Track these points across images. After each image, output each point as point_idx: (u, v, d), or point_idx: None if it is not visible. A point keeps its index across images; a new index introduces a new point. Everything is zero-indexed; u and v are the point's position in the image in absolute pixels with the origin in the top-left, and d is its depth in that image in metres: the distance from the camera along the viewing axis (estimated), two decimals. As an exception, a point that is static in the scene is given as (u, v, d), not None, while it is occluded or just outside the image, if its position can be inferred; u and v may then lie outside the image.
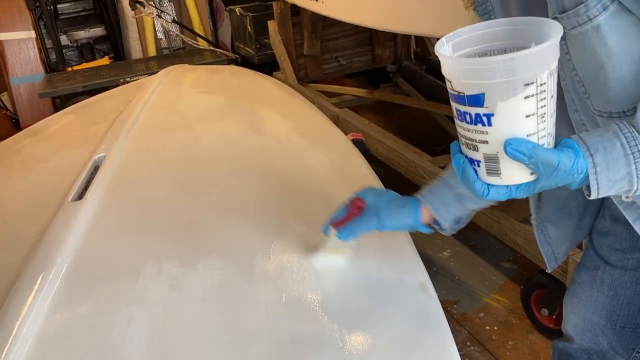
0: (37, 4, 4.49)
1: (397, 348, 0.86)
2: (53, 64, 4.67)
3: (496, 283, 2.22)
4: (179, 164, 1.44)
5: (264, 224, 1.16)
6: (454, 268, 2.33)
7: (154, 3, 4.53)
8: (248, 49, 4.48)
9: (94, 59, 4.86)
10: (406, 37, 4.10)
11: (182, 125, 1.77)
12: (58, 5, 4.69)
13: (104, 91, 2.56)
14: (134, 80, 3.50)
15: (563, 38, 0.71)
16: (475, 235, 2.50)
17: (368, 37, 4.10)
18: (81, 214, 1.14)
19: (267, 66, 4.30)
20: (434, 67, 3.65)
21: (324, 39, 3.94)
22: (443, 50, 0.69)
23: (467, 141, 0.69)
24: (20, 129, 3.69)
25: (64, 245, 1.03)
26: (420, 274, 1.03)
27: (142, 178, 1.36)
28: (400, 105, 3.35)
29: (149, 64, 4.50)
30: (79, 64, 4.78)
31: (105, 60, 4.78)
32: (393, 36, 4.10)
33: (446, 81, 0.68)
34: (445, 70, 0.67)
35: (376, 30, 4.07)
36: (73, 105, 2.51)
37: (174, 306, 0.92)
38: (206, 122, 1.81)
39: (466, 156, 0.71)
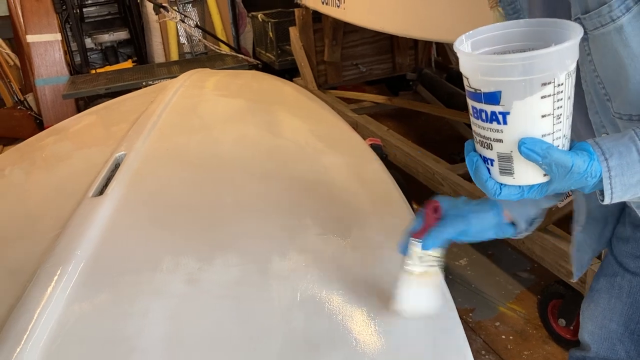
0: (64, 7, 4.57)
1: (413, 354, 0.86)
2: (77, 67, 4.75)
3: (513, 292, 2.20)
4: (198, 164, 1.46)
5: (281, 223, 1.17)
6: (471, 276, 2.32)
7: (177, 8, 4.59)
8: (269, 54, 4.51)
9: (117, 62, 4.94)
10: (427, 46, 4.10)
11: (202, 126, 1.79)
12: (84, 9, 4.76)
13: (126, 93, 2.59)
14: (156, 84, 3.55)
15: (585, 39, 0.71)
16: (492, 244, 2.48)
17: (388, 44, 4.11)
18: (101, 209, 1.15)
19: (288, 72, 4.32)
20: (455, 75, 3.64)
21: (345, 46, 3.95)
22: (462, 47, 0.69)
23: (481, 139, 0.69)
24: (43, 130, 3.76)
25: (84, 238, 1.05)
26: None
27: (162, 176, 1.38)
28: (419, 113, 3.35)
29: (171, 68, 4.55)
30: (102, 67, 4.85)
31: (128, 64, 4.85)
32: (414, 44, 4.10)
33: (463, 78, 0.68)
34: (463, 66, 0.67)
35: (397, 38, 4.08)
36: (96, 106, 2.55)
37: (190, 300, 0.93)
38: (226, 124, 1.83)
39: (480, 155, 0.70)
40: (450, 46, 4.03)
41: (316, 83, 3.88)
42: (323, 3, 2.92)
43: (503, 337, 1.97)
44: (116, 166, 1.41)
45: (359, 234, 1.16)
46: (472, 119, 0.69)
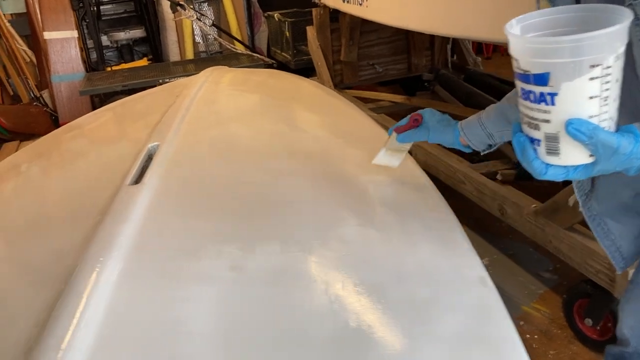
0: (81, 4, 4.59)
1: (462, 340, 0.86)
2: (93, 64, 4.77)
3: (536, 292, 2.18)
4: (231, 154, 1.46)
5: (318, 214, 1.17)
6: (492, 276, 2.27)
7: (193, 6, 4.61)
8: (285, 54, 4.52)
9: (132, 60, 4.95)
10: (443, 46, 4.09)
11: (230, 119, 1.79)
12: (101, 7, 4.78)
13: (142, 91, 2.60)
14: (172, 82, 3.56)
15: (637, 24, 0.71)
16: (514, 244, 2.47)
17: (405, 45, 4.11)
18: (140, 197, 1.15)
19: (303, 72, 4.32)
20: (473, 76, 3.64)
21: (361, 45, 3.96)
22: (513, 30, 0.71)
23: (529, 120, 0.71)
24: (59, 126, 3.77)
25: (126, 225, 1.04)
26: (478, 268, 1.03)
27: (197, 166, 1.38)
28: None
29: (186, 66, 4.57)
30: (117, 65, 4.87)
31: (143, 62, 4.87)
32: (430, 45, 4.10)
33: (512, 60, 0.70)
34: (514, 49, 0.69)
35: (413, 39, 4.08)
36: (116, 102, 2.56)
37: (235, 286, 0.92)
38: (254, 118, 1.83)
39: (527, 135, 0.73)
40: (467, 49, 4.03)
41: (332, 83, 3.88)
42: (344, 1, 2.92)
43: (528, 336, 1.96)
44: (149, 157, 1.41)
45: (397, 225, 1.16)
46: (520, 100, 0.72)
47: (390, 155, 1.29)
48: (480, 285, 0.98)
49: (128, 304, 0.86)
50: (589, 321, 1.84)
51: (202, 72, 2.41)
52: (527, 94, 0.69)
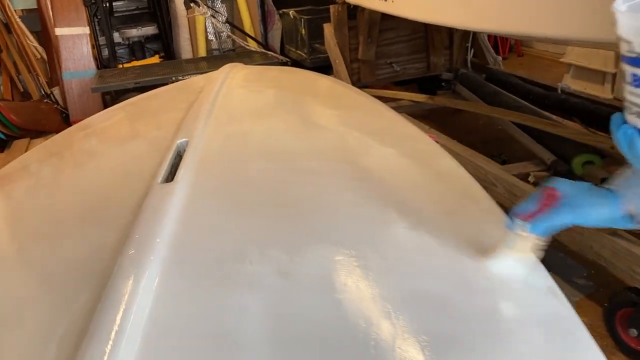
0: (93, 1, 4.53)
1: (538, 353, 0.77)
2: (105, 61, 4.70)
3: (572, 300, 2.08)
4: (265, 152, 1.38)
5: (363, 214, 1.09)
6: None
7: (207, 4, 4.53)
8: (300, 52, 4.44)
9: (144, 57, 4.88)
10: (463, 45, 4.01)
11: (259, 115, 1.71)
12: (113, 3, 4.71)
13: (154, 88, 2.51)
14: (185, 79, 3.48)
15: None
16: (545, 251, 2.38)
17: (423, 43, 4.03)
18: (174, 195, 1.07)
19: (319, 70, 4.24)
20: (495, 75, 3.55)
21: (379, 44, 3.88)
22: (622, 8, 0.63)
23: (639, 109, 0.65)
24: (70, 124, 3.70)
25: (162, 226, 0.96)
26: (546, 278, 0.94)
27: (231, 163, 1.30)
28: (455, 113, 3.26)
29: (199, 64, 4.49)
30: (129, 62, 4.80)
31: (155, 59, 4.79)
32: (449, 44, 4.02)
33: (621, 44, 0.63)
34: (626, 29, 0.62)
35: (432, 37, 3.99)
36: (131, 99, 2.48)
37: (286, 293, 0.84)
38: (283, 114, 1.74)
39: (635, 127, 0.66)
40: (487, 45, 3.94)
41: (350, 81, 3.80)
42: (367, -4, 2.84)
43: (565, 346, 1.87)
44: (178, 154, 1.33)
45: (449, 229, 1.08)
46: (628, 88, 0.65)
47: (511, 258, 0.90)
48: (551, 296, 0.90)
49: (171, 314, 0.78)
50: (633, 331, 1.75)
51: (221, 69, 2.33)
52: (638, 81, 0.62)
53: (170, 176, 1.18)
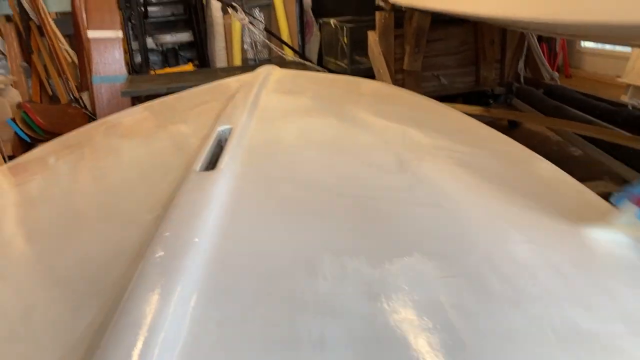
0: (128, 4, 4.38)
1: None
2: (136, 66, 4.54)
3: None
4: (322, 144, 1.12)
5: (461, 222, 0.82)
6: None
7: (245, 10, 4.35)
8: (340, 62, 4.21)
9: (177, 65, 4.71)
10: (515, 59, 3.74)
11: (310, 109, 1.47)
12: (148, 8, 4.56)
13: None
14: (218, 81, 3.28)
15: None
16: None
17: (473, 56, 3.77)
18: (216, 185, 0.82)
19: (360, 82, 4.02)
20: (555, 90, 3.27)
21: (426, 55, 3.63)
22: None
23: None
24: (98, 128, 3.52)
25: (201, 220, 0.71)
26: None
27: (284, 152, 1.05)
28: (509, 129, 2.98)
29: (234, 73, 4.28)
30: (161, 69, 4.63)
31: (189, 67, 4.62)
32: (501, 57, 3.75)
33: None
34: None
35: (483, 50, 3.73)
36: (159, 98, 2.26)
37: (379, 324, 0.58)
38: (336, 110, 1.49)
39: None
40: (542, 60, 3.66)
41: (394, 93, 3.56)
42: (423, -5, 2.60)
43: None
44: (219, 142, 1.09)
45: (575, 245, 0.81)
46: None
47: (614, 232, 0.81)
48: None
49: (214, 349, 0.52)
50: None
51: (258, 69, 2.11)
52: None
53: (211, 165, 0.93)
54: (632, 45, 3.16)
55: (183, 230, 0.68)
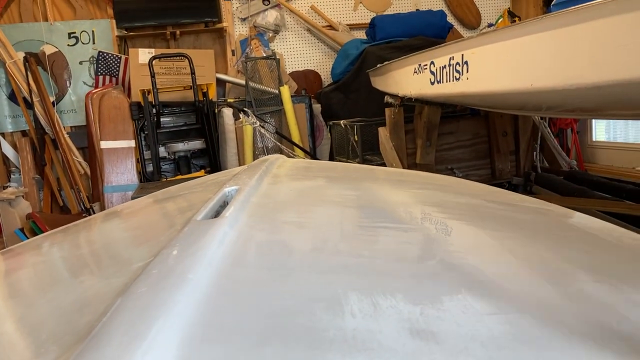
0: (141, 114, 4.47)
1: None
2: (149, 174, 4.54)
3: None
4: (339, 204, 1.01)
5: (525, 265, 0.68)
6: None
7: (256, 115, 4.42)
8: (351, 161, 4.19)
9: (189, 172, 4.71)
10: (530, 150, 3.69)
11: (322, 178, 1.37)
12: (161, 118, 4.64)
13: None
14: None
15: None
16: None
17: (487, 149, 3.73)
18: (219, 230, 0.70)
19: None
20: (576, 175, 3.17)
21: (439, 148, 3.59)
22: None
23: None
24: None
25: (199, 258, 0.58)
26: None
27: (294, 208, 0.93)
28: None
29: (245, 176, 4.27)
30: (174, 177, 4.62)
31: (200, 173, 4.61)
32: (515, 149, 3.70)
33: None
34: None
35: (496, 142, 3.70)
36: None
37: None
38: (351, 186, 1.39)
39: None
40: (558, 149, 3.60)
41: (408, 187, 3.48)
42: (432, 83, 2.59)
43: None
44: (224, 202, 0.98)
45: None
46: None
47: None
48: None
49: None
50: None
51: (265, 157, 2.04)
52: None
53: (215, 215, 0.81)
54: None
55: (174, 267, 0.55)
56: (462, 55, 2.22)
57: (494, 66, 2.01)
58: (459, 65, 2.25)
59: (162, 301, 0.47)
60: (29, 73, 4.51)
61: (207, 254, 0.60)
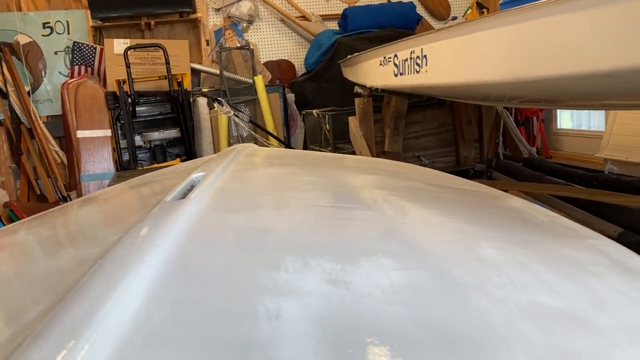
0: (117, 104, 4.54)
1: None
2: (125, 163, 4.62)
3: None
4: (300, 188, 1.14)
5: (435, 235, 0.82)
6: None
7: (231, 104, 4.52)
8: (323, 150, 4.33)
9: (165, 160, 4.80)
10: (493, 138, 3.87)
11: (288, 165, 1.50)
12: (137, 108, 4.72)
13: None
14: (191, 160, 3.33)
15: None
16: None
17: (452, 137, 3.90)
18: (185, 209, 0.83)
19: (344, 167, 4.10)
20: (534, 162, 3.35)
21: (406, 137, 3.75)
22: None
23: None
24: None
25: (166, 230, 0.71)
26: None
27: (260, 189, 1.06)
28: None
29: (220, 164, 4.38)
30: (149, 165, 4.71)
31: (176, 162, 4.70)
32: (479, 137, 3.88)
33: None
34: None
35: (461, 130, 3.87)
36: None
37: (338, 300, 0.57)
38: (317, 171, 1.52)
39: None
40: (519, 137, 3.78)
41: (377, 174, 3.63)
42: (396, 75, 2.73)
43: None
44: (192, 186, 1.10)
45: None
46: None
47: None
48: None
49: (166, 319, 0.51)
50: None
51: (234, 146, 2.16)
52: None
53: (183, 197, 0.94)
54: (606, 107, 3.27)
55: (144, 238, 0.68)
56: (422, 49, 2.36)
57: (450, 60, 2.15)
58: (419, 59, 2.39)
59: (135, 261, 0.60)
60: (3, 63, 4.55)
61: (173, 228, 0.72)
